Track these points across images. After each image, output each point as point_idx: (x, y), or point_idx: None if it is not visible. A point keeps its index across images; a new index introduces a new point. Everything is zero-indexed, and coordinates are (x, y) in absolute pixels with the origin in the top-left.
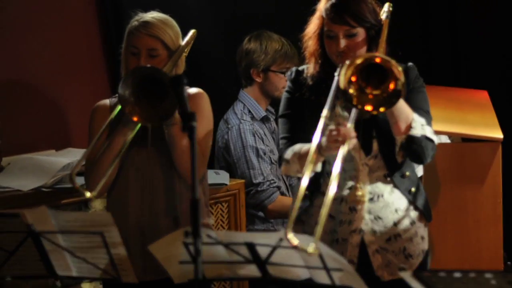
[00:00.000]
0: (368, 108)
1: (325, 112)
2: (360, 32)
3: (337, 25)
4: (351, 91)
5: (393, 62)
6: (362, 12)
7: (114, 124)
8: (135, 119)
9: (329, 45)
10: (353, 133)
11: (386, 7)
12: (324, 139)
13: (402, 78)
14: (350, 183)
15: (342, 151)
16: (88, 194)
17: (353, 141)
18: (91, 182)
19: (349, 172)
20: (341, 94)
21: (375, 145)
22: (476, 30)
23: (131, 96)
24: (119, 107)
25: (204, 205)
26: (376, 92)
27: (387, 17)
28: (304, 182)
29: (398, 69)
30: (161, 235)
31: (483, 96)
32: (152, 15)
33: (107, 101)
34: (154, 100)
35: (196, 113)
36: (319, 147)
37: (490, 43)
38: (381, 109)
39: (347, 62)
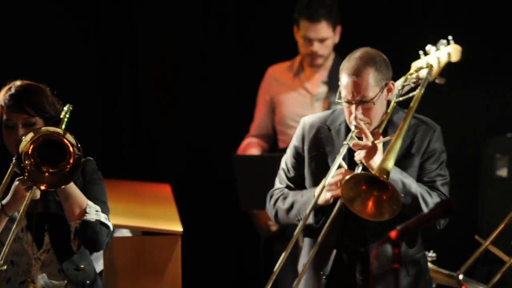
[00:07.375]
0: (42, 187)
1: None
2: (39, 122)
3: (15, 114)
4: (27, 162)
5: (70, 138)
6: (41, 103)
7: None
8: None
9: (7, 135)
10: None
11: (67, 107)
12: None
13: (77, 155)
14: (23, 278)
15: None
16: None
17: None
18: None
19: (22, 266)
20: (17, 162)
21: (46, 239)
22: (161, 122)
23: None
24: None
25: None
26: (53, 170)
27: None
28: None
29: (72, 148)
30: None
31: (166, 189)
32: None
33: None
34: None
35: None
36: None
37: (174, 135)
38: (55, 188)
39: (25, 137)
